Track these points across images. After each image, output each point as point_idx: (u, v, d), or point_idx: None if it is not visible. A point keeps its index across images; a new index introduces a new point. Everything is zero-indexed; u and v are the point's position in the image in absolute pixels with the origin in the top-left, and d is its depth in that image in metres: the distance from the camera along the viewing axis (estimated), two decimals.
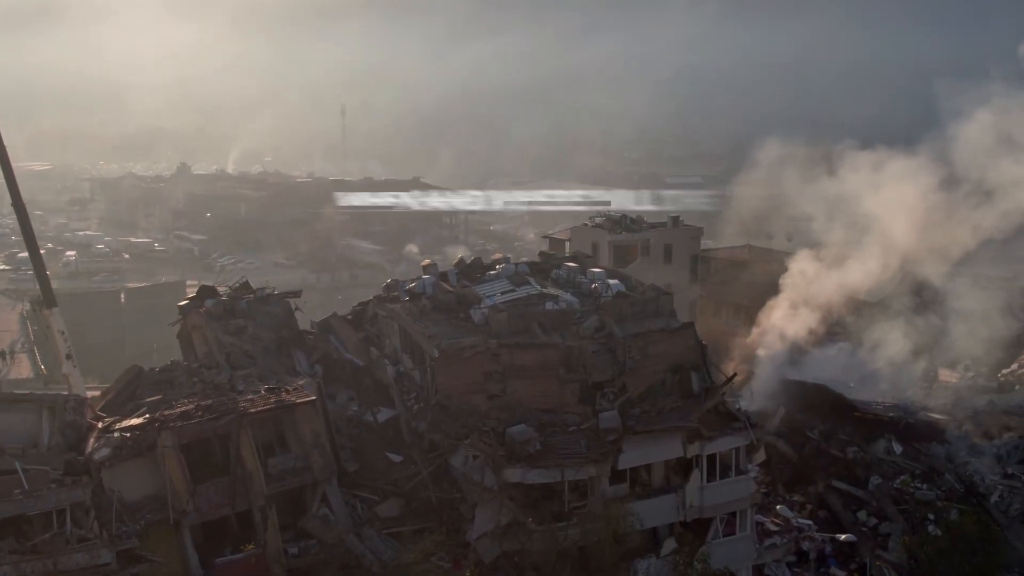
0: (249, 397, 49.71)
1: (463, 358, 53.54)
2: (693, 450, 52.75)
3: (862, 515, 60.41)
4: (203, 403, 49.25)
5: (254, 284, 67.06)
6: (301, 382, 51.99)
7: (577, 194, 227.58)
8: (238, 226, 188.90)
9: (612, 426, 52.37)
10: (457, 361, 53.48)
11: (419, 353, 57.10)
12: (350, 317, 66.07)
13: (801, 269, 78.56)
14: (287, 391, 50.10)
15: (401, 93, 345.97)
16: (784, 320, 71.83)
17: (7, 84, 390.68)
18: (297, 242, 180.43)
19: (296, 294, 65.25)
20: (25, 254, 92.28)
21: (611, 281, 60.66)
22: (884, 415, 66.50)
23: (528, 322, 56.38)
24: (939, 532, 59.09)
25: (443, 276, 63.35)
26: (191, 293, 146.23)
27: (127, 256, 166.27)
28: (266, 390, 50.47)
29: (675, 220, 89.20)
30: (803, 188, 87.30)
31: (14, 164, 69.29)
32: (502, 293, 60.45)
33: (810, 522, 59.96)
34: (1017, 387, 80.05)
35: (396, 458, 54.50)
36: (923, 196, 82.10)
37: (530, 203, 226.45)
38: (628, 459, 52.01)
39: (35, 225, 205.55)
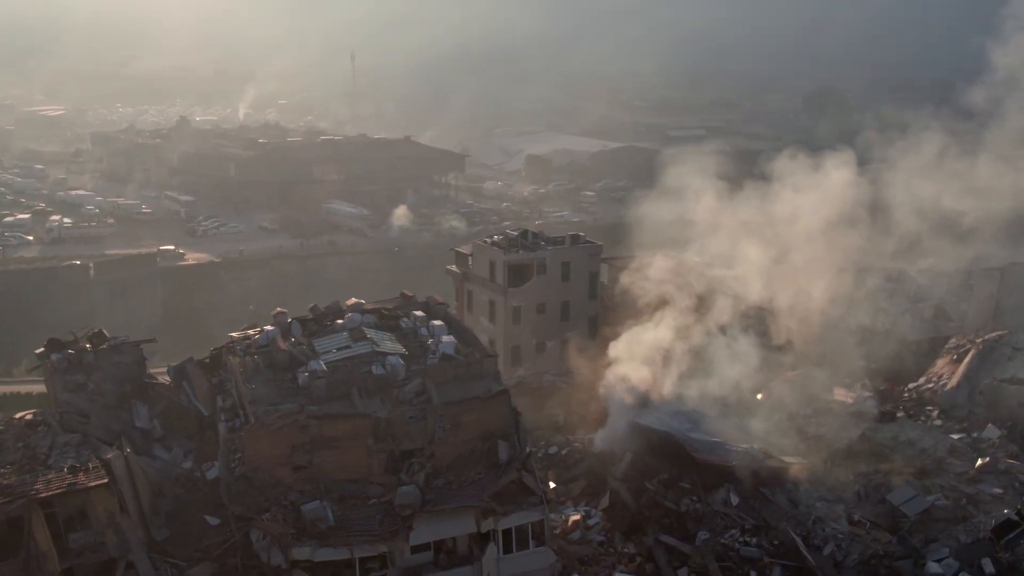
0: (49, 476, 51.82)
1: (271, 430, 55.21)
2: (488, 525, 54.41)
3: (683, 572, 61.31)
4: (3, 483, 51.43)
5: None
6: (110, 455, 53.97)
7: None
8: (228, 186, 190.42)
9: (408, 502, 54.00)
10: (265, 434, 55.14)
11: (247, 413, 58.88)
12: (208, 361, 67.86)
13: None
14: (85, 472, 52.10)
15: (421, 40, 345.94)
16: (640, 360, 72.26)
17: (34, 23, 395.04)
18: (284, 205, 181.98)
19: (149, 341, 67.00)
20: None
21: (444, 339, 61.88)
22: (726, 463, 66.72)
23: (349, 387, 57.93)
24: None
25: (288, 328, 64.89)
26: (164, 263, 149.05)
27: (111, 221, 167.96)
28: (68, 469, 52.46)
29: (574, 238, 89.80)
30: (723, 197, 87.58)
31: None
32: (338, 350, 61.96)
33: None
34: (900, 414, 79.96)
35: (213, 521, 56.56)
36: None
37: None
38: (421, 534, 53.76)
39: (33, 181, 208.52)
